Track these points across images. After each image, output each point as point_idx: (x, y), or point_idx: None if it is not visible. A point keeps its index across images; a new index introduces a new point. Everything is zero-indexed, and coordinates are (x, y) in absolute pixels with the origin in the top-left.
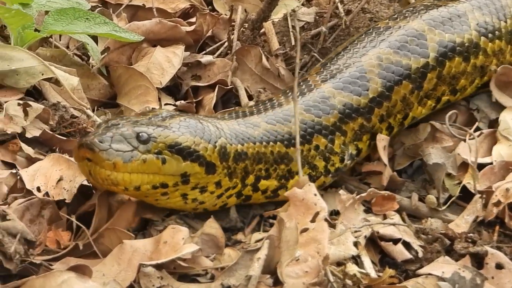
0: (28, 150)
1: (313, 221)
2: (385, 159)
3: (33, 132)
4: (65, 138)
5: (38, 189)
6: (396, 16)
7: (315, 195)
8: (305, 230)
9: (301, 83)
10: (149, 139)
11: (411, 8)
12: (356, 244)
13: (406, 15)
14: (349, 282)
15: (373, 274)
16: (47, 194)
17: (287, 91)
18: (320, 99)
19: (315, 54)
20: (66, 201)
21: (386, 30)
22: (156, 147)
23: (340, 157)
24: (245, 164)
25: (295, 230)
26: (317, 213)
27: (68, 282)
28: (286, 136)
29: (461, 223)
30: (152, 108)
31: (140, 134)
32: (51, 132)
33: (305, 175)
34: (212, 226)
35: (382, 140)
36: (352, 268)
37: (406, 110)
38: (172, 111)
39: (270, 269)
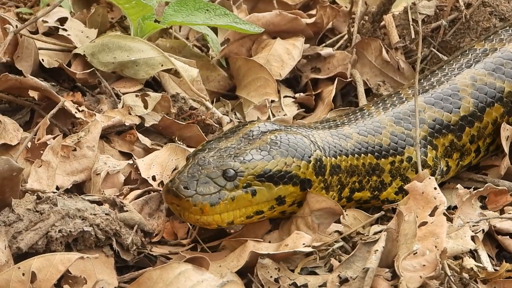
0: (145, 140)
1: (432, 214)
2: (506, 148)
3: (152, 121)
4: (184, 124)
5: (154, 178)
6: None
7: (435, 188)
8: (424, 223)
9: (393, 95)
10: (236, 175)
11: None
12: (473, 238)
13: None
14: (466, 275)
15: (490, 268)
16: (162, 183)
17: (378, 101)
18: (410, 112)
19: (433, 50)
20: None
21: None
22: (245, 181)
23: (432, 171)
24: (339, 177)
25: (413, 224)
26: (436, 207)
27: (185, 273)
28: (377, 148)
29: None
30: (248, 122)
31: (227, 170)
32: (170, 118)
33: (397, 187)
34: (318, 200)
35: (506, 130)
36: (469, 262)
37: (495, 135)
38: (268, 123)
39: (388, 262)
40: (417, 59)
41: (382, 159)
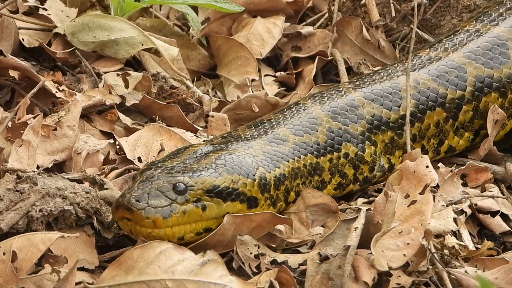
0: (126, 120)
1: (422, 193)
2: (490, 131)
3: (133, 101)
4: (165, 103)
5: (139, 159)
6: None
7: (427, 167)
8: (413, 202)
9: (332, 89)
10: (186, 189)
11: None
12: (455, 220)
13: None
14: (447, 253)
15: (471, 246)
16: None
17: (316, 94)
18: (348, 106)
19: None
20: None
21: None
22: (195, 195)
23: (370, 166)
24: (285, 186)
25: (394, 203)
26: (427, 185)
27: (166, 252)
28: (315, 146)
29: None
30: (189, 145)
31: (177, 185)
32: (151, 98)
33: (335, 184)
34: (313, 195)
35: (497, 114)
36: (450, 240)
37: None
38: (209, 144)
39: (370, 243)
40: (411, 40)
41: (321, 157)
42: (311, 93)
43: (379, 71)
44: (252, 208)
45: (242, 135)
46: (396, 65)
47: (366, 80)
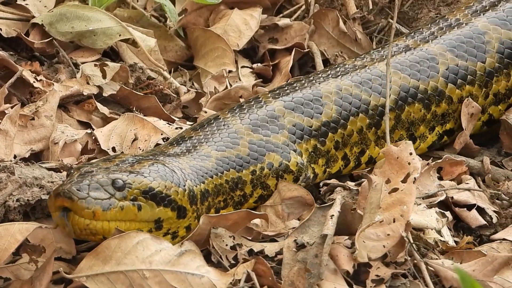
0: (104, 109)
1: (404, 181)
2: (465, 123)
3: (110, 91)
4: (142, 94)
5: (113, 149)
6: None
7: (411, 154)
8: (395, 190)
9: (251, 101)
10: (124, 185)
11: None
12: (437, 220)
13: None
14: (426, 247)
15: (451, 242)
16: (122, 154)
17: (234, 107)
18: (268, 118)
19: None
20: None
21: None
22: (132, 194)
23: (295, 176)
24: (208, 202)
25: (379, 193)
26: (409, 174)
27: (143, 242)
28: (237, 160)
29: None
30: (120, 153)
31: (116, 180)
32: (128, 88)
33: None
34: (289, 188)
35: (471, 107)
36: (430, 235)
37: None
38: (137, 155)
39: (349, 231)
40: (391, 31)
41: (244, 171)
42: (230, 106)
43: (301, 79)
44: (181, 218)
45: (167, 151)
46: (320, 73)
47: (286, 89)
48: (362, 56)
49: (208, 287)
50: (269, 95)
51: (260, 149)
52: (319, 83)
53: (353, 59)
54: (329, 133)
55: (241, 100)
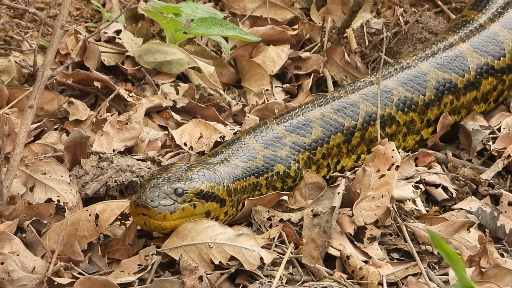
0: (177, 117)
1: (389, 169)
2: (439, 129)
3: (181, 104)
4: (204, 106)
5: (185, 144)
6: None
7: (393, 150)
8: (383, 175)
9: (262, 126)
10: (183, 192)
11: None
12: (413, 192)
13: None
14: (406, 214)
15: (423, 210)
16: (191, 148)
17: (250, 131)
18: (275, 138)
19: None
20: (206, 152)
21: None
22: (189, 197)
23: (293, 179)
24: (237, 197)
25: (370, 177)
26: (393, 164)
27: (212, 227)
28: (255, 169)
29: (485, 174)
30: (175, 162)
31: (177, 189)
32: (194, 102)
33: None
34: (310, 177)
35: (447, 119)
36: (409, 206)
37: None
38: (188, 163)
39: (350, 204)
40: (381, 61)
41: (260, 177)
42: (248, 128)
43: (295, 108)
44: (222, 207)
45: (207, 161)
46: (308, 103)
47: (286, 116)
48: (339, 89)
49: (257, 258)
50: (274, 121)
51: (271, 161)
52: (308, 112)
53: (332, 91)
54: (318, 147)
55: (276, 111)
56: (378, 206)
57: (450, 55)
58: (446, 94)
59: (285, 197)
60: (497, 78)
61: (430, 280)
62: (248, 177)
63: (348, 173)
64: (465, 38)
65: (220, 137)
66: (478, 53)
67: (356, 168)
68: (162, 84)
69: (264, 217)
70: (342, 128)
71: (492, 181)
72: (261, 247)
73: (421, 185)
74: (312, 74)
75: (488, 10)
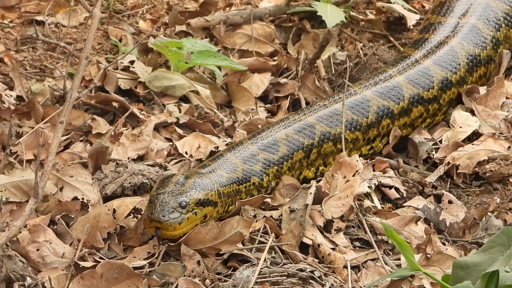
0: (179, 131)
1: (354, 175)
2: (390, 141)
3: (183, 120)
4: (201, 122)
5: (186, 152)
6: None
7: (357, 161)
8: (348, 180)
9: (239, 145)
10: (186, 204)
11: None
12: (369, 187)
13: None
14: (365, 210)
15: (379, 206)
16: (191, 156)
17: (230, 149)
18: (251, 155)
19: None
20: (203, 159)
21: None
22: (191, 207)
23: (265, 189)
24: (225, 199)
25: (336, 181)
26: (356, 171)
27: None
28: (237, 179)
29: (429, 178)
30: (173, 174)
31: (181, 203)
32: (194, 119)
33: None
34: (288, 179)
35: (396, 133)
36: (367, 203)
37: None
38: (184, 173)
39: (320, 201)
40: (345, 86)
41: (240, 186)
42: (228, 147)
43: (265, 129)
44: (215, 208)
45: (199, 171)
46: (275, 125)
47: (257, 137)
48: (298, 112)
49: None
50: (249, 141)
51: (248, 174)
52: (275, 133)
53: (294, 113)
54: (284, 162)
55: (259, 126)
56: (343, 204)
57: (389, 85)
58: (384, 118)
59: (268, 199)
60: (424, 107)
61: (385, 264)
62: (231, 185)
63: (313, 181)
64: (402, 71)
65: (214, 147)
66: (412, 84)
67: (318, 178)
68: (168, 104)
69: (251, 215)
70: (303, 146)
71: (435, 183)
72: (248, 237)
73: (373, 184)
74: (289, 97)
75: (424, 48)
